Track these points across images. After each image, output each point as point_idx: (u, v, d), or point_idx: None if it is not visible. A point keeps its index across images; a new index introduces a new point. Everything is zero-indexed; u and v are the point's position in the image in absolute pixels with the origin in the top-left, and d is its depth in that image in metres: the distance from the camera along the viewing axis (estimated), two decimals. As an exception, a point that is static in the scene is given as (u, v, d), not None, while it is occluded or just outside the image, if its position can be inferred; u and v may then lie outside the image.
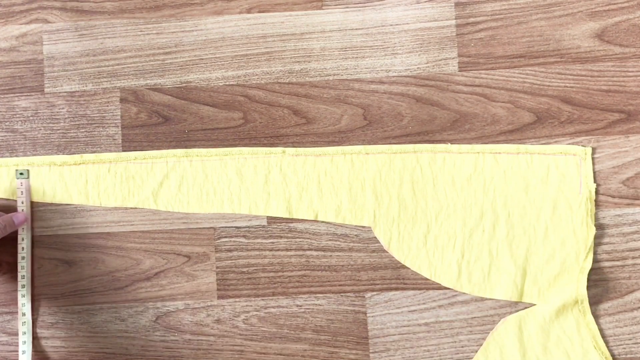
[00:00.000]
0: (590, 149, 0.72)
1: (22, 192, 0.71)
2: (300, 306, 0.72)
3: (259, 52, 0.74)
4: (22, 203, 0.71)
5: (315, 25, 0.74)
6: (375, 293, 0.72)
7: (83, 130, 0.73)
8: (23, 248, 0.71)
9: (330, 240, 0.72)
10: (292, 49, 0.74)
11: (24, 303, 0.71)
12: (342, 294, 0.72)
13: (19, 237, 0.71)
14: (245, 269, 0.72)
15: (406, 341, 0.71)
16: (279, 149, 0.72)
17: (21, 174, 0.72)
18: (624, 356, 0.71)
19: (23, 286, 0.71)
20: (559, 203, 0.71)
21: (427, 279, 0.72)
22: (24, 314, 0.71)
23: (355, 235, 0.72)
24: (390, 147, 0.72)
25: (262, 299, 0.72)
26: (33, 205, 0.72)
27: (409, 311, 0.72)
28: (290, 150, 0.73)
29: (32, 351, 0.71)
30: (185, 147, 0.73)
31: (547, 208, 0.71)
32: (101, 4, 0.74)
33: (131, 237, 0.73)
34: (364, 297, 0.72)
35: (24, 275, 0.71)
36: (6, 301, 0.72)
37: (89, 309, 0.72)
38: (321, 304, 0.72)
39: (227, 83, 0.74)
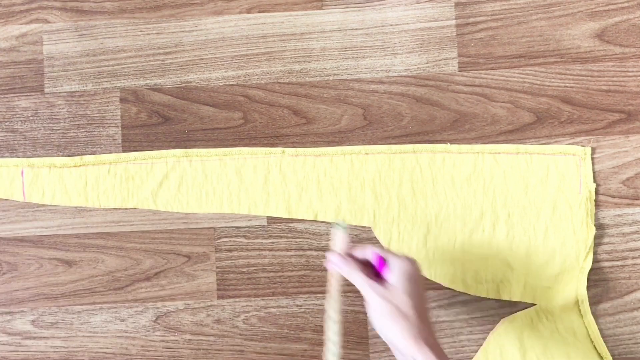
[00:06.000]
0: (590, 149, 0.72)
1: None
2: (300, 306, 0.72)
3: (259, 52, 0.74)
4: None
5: (315, 25, 0.74)
6: (375, 293, 0.72)
7: (83, 130, 0.74)
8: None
9: (330, 240, 0.72)
10: (292, 49, 0.74)
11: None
12: (342, 294, 0.72)
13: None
14: (245, 269, 0.72)
15: (406, 341, 0.71)
16: (279, 149, 0.72)
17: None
18: (624, 356, 0.71)
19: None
20: (558, 203, 0.71)
21: (427, 279, 0.72)
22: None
23: (355, 235, 0.72)
24: (390, 147, 0.72)
25: (262, 299, 0.72)
26: None
27: (409, 311, 0.72)
28: (289, 150, 0.72)
29: (32, 351, 0.71)
30: (185, 147, 0.73)
31: (547, 208, 0.71)
32: (101, 4, 0.74)
33: (131, 237, 0.73)
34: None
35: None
36: (6, 301, 0.72)
37: (89, 309, 0.72)
38: (321, 304, 0.72)
39: (227, 83, 0.74)
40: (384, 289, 0.57)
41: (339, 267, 0.60)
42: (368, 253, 0.60)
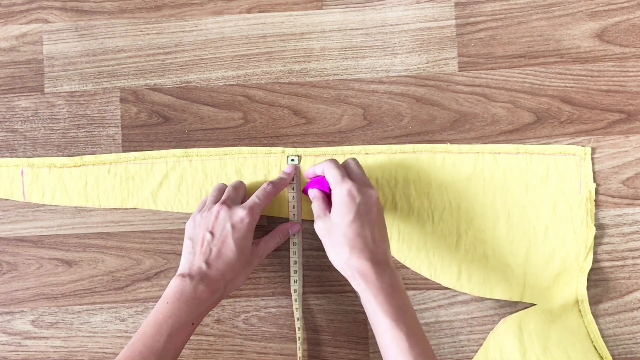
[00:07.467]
0: (590, 149, 0.72)
1: (292, 177, 0.71)
2: (300, 306, 0.72)
3: (259, 52, 0.74)
4: (293, 189, 0.72)
5: (315, 25, 0.74)
6: (375, 293, 0.72)
7: (83, 130, 0.74)
8: (295, 252, 0.71)
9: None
10: (292, 49, 0.74)
11: (297, 307, 0.71)
12: (342, 294, 0.72)
13: (291, 242, 0.71)
14: (245, 269, 0.72)
15: (406, 341, 0.71)
16: (279, 149, 0.72)
17: (292, 160, 0.72)
18: (624, 356, 0.71)
19: (295, 290, 0.71)
20: (558, 203, 0.71)
21: (427, 279, 0.72)
22: (297, 319, 0.71)
23: (355, 235, 0.72)
24: (390, 147, 0.72)
25: (262, 299, 0.72)
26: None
27: (409, 311, 0.72)
28: (290, 150, 0.72)
29: (32, 351, 0.71)
30: (185, 147, 0.73)
31: (547, 208, 0.71)
32: (101, 4, 0.74)
33: (131, 237, 0.73)
34: (364, 297, 0.72)
35: (296, 280, 0.71)
36: (6, 301, 0.72)
37: (89, 309, 0.72)
38: (321, 304, 0.72)
39: (227, 83, 0.74)
40: (324, 223, 0.64)
41: (312, 195, 0.68)
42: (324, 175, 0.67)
